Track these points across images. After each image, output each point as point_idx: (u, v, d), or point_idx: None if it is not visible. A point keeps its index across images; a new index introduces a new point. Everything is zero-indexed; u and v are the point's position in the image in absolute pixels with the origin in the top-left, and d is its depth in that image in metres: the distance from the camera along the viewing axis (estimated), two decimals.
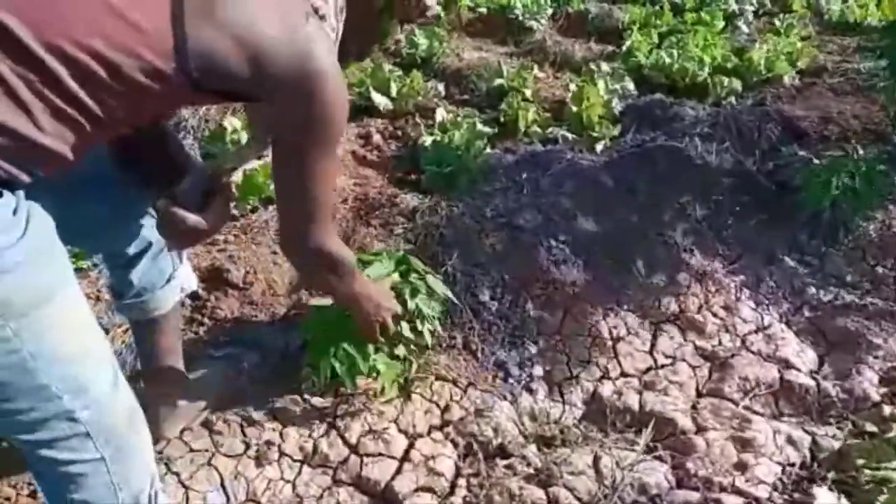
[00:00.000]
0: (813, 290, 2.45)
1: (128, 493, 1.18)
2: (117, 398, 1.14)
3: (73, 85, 0.94)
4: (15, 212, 0.96)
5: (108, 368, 1.14)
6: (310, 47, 1.07)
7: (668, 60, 3.76)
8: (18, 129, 0.93)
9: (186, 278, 1.63)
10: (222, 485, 1.63)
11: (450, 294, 1.90)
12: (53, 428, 1.06)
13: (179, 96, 1.08)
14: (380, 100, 3.30)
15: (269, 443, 1.71)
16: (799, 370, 2.14)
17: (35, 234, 0.98)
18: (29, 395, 1.02)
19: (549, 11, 4.87)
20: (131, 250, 1.47)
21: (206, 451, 1.69)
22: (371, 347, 1.69)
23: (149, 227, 1.45)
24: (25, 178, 0.97)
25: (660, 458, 1.82)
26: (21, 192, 0.99)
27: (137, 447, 1.20)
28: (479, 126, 2.99)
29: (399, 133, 3.18)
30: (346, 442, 1.75)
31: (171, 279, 1.57)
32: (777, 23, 4.67)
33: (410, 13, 1.37)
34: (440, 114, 3.18)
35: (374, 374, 1.76)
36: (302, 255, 1.35)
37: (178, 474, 1.62)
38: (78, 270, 1.93)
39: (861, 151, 2.62)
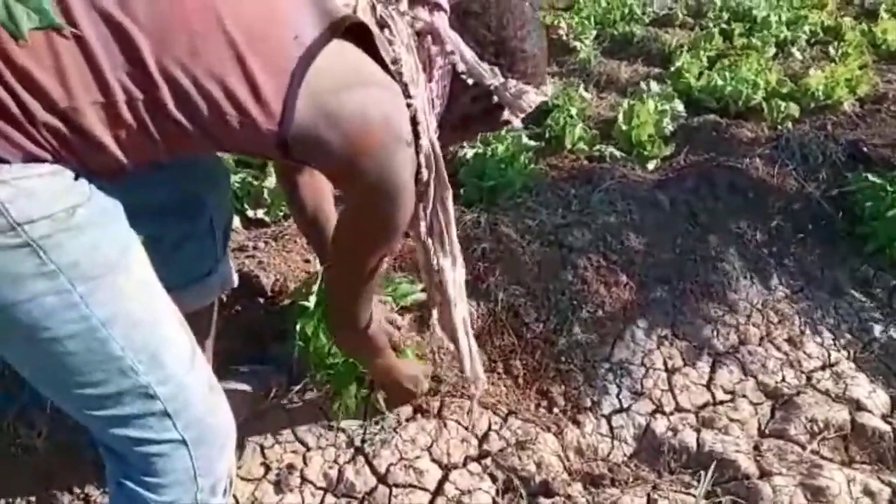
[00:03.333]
0: (881, 326, 2.26)
1: (208, 480, 1.07)
2: (196, 374, 1.04)
3: (174, 111, 0.91)
4: (76, 178, 0.90)
5: (185, 341, 1.04)
6: (399, 166, 1.06)
7: (720, 83, 3.61)
8: (104, 142, 0.89)
9: (228, 274, 1.51)
10: None
11: None
12: (128, 403, 0.96)
13: (258, 146, 1.02)
14: None
15: (290, 467, 1.56)
16: (871, 412, 1.94)
17: (102, 194, 0.93)
18: (101, 367, 0.93)
19: (594, 33, 4.77)
20: (174, 235, 1.37)
21: None
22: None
23: (196, 212, 1.38)
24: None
25: None
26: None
27: (219, 431, 1.09)
28: (525, 140, 2.85)
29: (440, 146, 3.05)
30: (374, 470, 1.60)
31: (212, 272, 1.46)
32: (832, 51, 4.50)
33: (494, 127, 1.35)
34: None
35: None
36: (350, 343, 1.44)
37: None
38: None
39: None
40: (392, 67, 1.06)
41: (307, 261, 2.02)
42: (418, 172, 1.15)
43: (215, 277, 1.48)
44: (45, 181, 0.85)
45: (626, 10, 5.26)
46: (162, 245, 1.37)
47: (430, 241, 1.30)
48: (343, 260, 1.24)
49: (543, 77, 1.26)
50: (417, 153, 1.12)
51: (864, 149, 2.79)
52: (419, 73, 1.12)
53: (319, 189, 1.57)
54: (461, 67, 1.17)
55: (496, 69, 1.18)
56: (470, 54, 1.17)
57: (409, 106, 1.08)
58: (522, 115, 1.27)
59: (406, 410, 1.71)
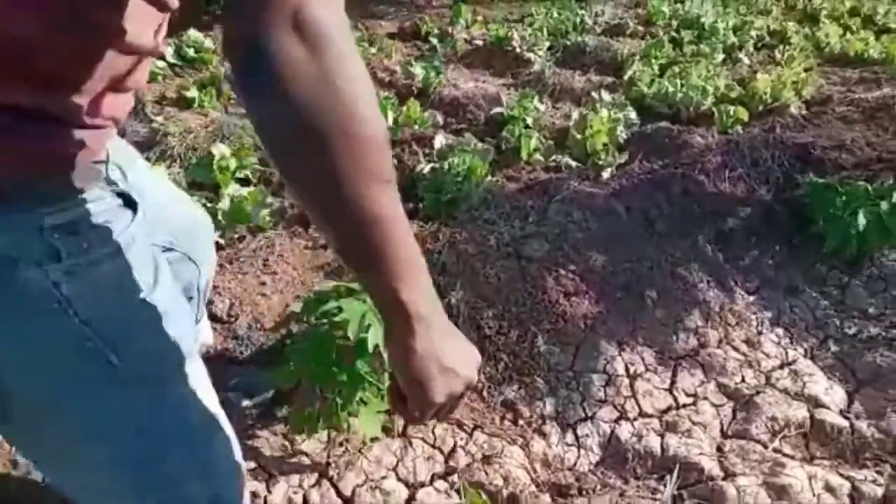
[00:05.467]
0: (837, 322, 2.31)
1: None
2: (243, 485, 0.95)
3: None
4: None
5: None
6: None
7: (671, 89, 3.68)
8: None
9: (205, 331, 1.43)
10: None
11: None
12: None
13: None
14: None
15: (254, 495, 1.53)
16: (829, 409, 1.98)
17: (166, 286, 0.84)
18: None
19: (547, 44, 4.82)
20: None
21: None
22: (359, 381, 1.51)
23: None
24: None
25: None
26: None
27: None
28: (479, 152, 2.86)
29: (396, 161, 3.05)
30: (339, 493, 1.57)
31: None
32: (778, 55, 4.62)
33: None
34: (439, 141, 3.06)
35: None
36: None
37: None
38: None
39: (883, 183, 2.50)
40: None
41: (263, 283, 1.99)
42: None
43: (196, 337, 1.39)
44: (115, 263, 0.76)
45: (579, 21, 5.34)
46: None
47: None
48: None
49: None
50: None
51: (812, 151, 2.86)
52: None
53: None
54: None
55: None
56: None
57: None
58: None
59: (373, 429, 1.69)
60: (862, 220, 2.26)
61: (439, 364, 0.77)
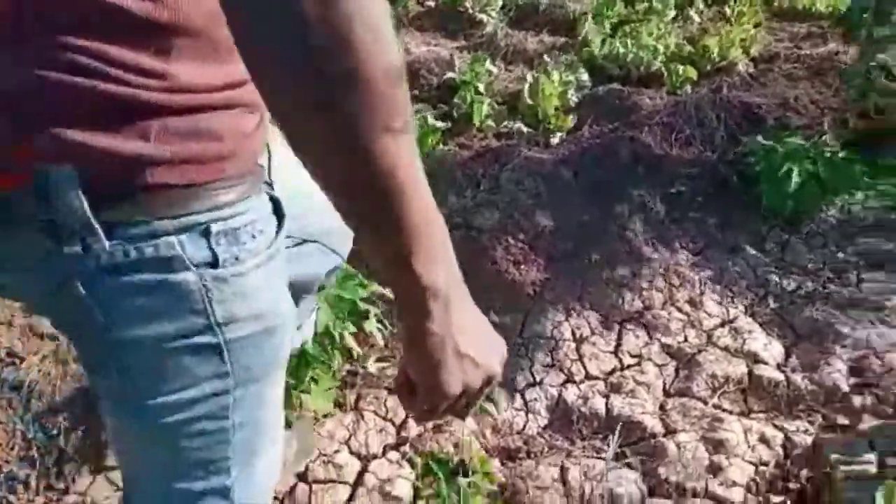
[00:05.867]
0: (776, 279, 2.39)
1: None
2: (272, 478, 0.97)
3: None
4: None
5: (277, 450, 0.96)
6: None
7: (622, 50, 3.69)
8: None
9: (307, 328, 1.41)
10: None
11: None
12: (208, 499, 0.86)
13: None
14: None
15: None
16: (767, 364, 2.07)
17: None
18: (203, 465, 0.83)
19: (500, 3, 4.77)
20: None
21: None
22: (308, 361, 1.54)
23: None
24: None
25: (630, 466, 1.73)
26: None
27: None
28: (431, 120, 2.86)
29: None
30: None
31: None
32: (728, 11, 4.65)
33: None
34: None
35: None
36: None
37: None
38: None
39: (822, 138, 2.57)
40: None
41: None
42: None
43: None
44: (260, 274, 0.75)
45: None
46: None
47: None
48: None
49: None
50: None
51: (756, 111, 2.93)
52: None
53: None
54: None
55: None
56: None
57: None
58: None
59: (325, 405, 1.73)
60: (797, 178, 2.33)
61: (455, 349, 0.67)
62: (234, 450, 0.83)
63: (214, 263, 0.70)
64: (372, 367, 1.83)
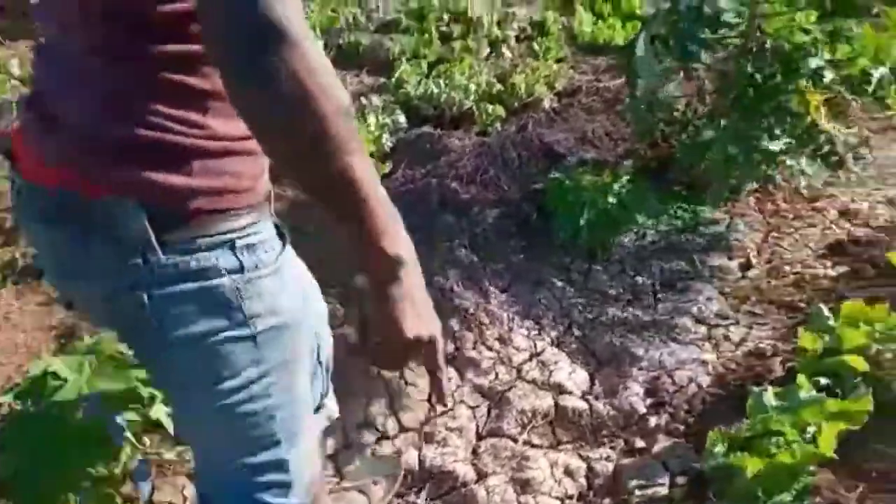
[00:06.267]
0: (580, 308, 2.53)
1: None
2: (316, 451, 1.16)
3: None
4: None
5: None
6: None
7: (435, 90, 3.80)
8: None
9: (333, 407, 1.32)
10: None
11: None
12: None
13: None
14: None
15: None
16: (572, 393, 2.18)
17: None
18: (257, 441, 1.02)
19: (321, 44, 4.78)
20: None
21: None
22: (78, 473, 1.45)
23: None
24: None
25: None
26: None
27: None
28: None
29: None
30: None
31: (320, 408, 1.27)
32: (536, 46, 4.92)
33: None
34: None
35: None
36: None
37: None
38: None
39: (615, 169, 2.77)
40: None
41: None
42: None
43: (322, 412, 1.30)
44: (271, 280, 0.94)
45: (352, 19, 5.34)
46: None
47: None
48: None
49: None
50: None
51: (556, 147, 3.11)
52: None
53: None
54: None
55: None
56: None
57: None
58: None
59: None
60: (587, 212, 2.50)
61: (413, 308, 0.88)
62: (280, 427, 1.01)
63: (241, 269, 0.90)
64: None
